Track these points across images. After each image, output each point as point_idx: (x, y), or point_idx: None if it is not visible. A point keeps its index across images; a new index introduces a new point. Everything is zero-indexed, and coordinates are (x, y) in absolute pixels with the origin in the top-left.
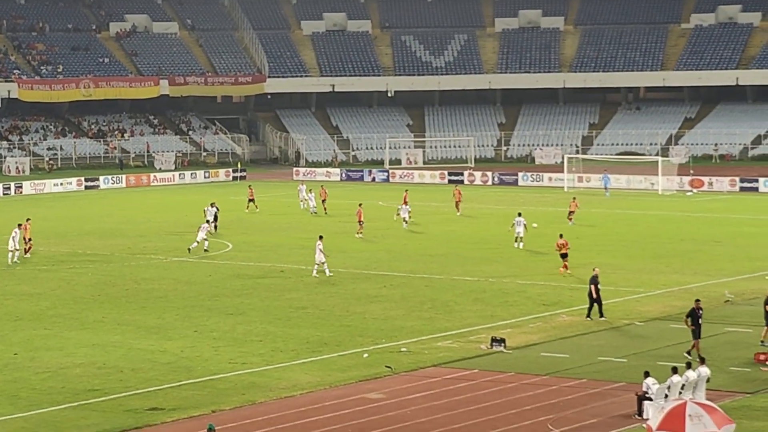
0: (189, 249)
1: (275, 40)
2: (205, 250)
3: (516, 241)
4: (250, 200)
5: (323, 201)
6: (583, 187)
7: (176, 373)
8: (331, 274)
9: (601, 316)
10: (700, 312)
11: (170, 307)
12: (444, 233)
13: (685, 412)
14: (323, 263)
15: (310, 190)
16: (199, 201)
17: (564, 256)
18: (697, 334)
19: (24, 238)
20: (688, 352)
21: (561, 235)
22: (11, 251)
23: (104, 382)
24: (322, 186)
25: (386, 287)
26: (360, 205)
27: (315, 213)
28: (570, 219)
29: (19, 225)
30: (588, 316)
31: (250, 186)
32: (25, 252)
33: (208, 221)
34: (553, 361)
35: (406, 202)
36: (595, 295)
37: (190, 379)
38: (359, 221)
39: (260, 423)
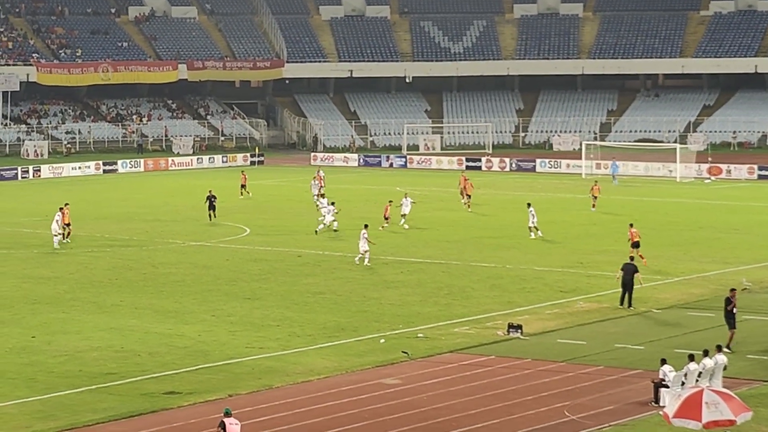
0: (316, 231)
1: (294, 25)
2: (335, 230)
3: (531, 231)
4: (243, 186)
5: (321, 187)
6: (600, 174)
7: (193, 357)
8: (370, 265)
9: (630, 305)
10: (733, 301)
11: (187, 291)
12: (461, 219)
13: (701, 400)
14: (366, 252)
15: (314, 177)
16: (216, 186)
17: (636, 245)
18: (731, 324)
19: (63, 223)
20: (728, 346)
21: (631, 225)
22: (55, 235)
23: (121, 366)
24: (318, 170)
25: (403, 273)
26: (390, 202)
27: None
28: (593, 206)
29: (60, 209)
30: (621, 304)
31: (243, 171)
32: (64, 237)
33: (333, 203)
34: (569, 347)
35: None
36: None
37: (206, 363)
38: (385, 217)
39: (276, 407)
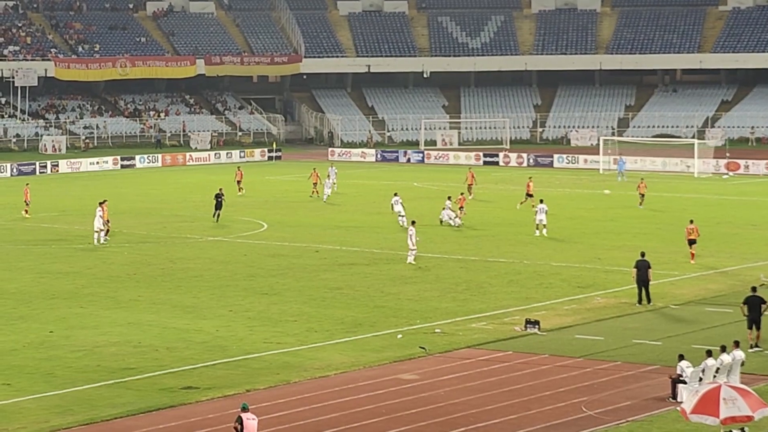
0: (401, 225)
1: (312, 21)
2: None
3: (537, 228)
4: (238, 182)
5: (315, 185)
6: (625, 170)
7: (211, 353)
8: (413, 262)
9: (649, 301)
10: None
11: (205, 286)
12: (478, 214)
13: (719, 396)
14: (414, 250)
15: (328, 175)
16: (230, 181)
17: (692, 242)
18: (755, 323)
19: (105, 219)
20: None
21: (691, 221)
22: (97, 231)
23: (139, 361)
24: (314, 169)
25: (421, 268)
26: (462, 194)
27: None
28: (641, 203)
29: (100, 204)
30: (639, 302)
31: (239, 167)
32: (106, 234)
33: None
34: (587, 343)
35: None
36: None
37: (224, 358)
38: (460, 207)
39: (294, 402)
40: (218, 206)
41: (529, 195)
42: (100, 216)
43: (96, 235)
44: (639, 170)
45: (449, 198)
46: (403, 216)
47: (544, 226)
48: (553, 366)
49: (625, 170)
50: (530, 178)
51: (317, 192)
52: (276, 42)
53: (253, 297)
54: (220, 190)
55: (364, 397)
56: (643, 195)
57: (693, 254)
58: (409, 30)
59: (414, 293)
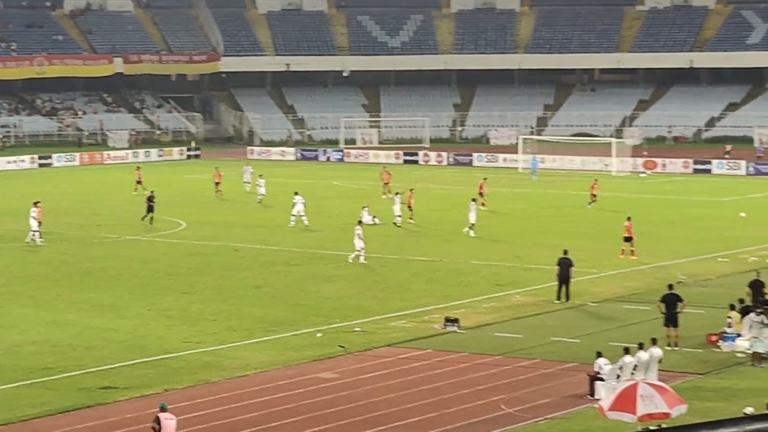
0: (305, 225)
1: (230, 19)
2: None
3: (468, 228)
4: (138, 182)
5: (217, 184)
6: (539, 169)
7: (129, 352)
8: (365, 262)
9: (568, 299)
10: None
11: (124, 285)
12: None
13: (636, 393)
14: (361, 250)
15: (260, 175)
16: (152, 180)
17: (628, 239)
18: (671, 321)
19: (39, 219)
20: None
21: (628, 218)
22: (35, 231)
23: (58, 360)
24: (216, 168)
25: (341, 267)
26: (411, 189)
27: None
28: (591, 203)
29: (35, 203)
30: (558, 299)
31: (138, 168)
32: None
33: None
34: (506, 341)
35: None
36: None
37: (143, 357)
38: (409, 206)
39: (213, 402)
40: (150, 209)
41: (480, 194)
42: (34, 217)
43: (32, 233)
44: (558, 169)
45: (398, 194)
46: (303, 215)
47: (473, 226)
48: (472, 364)
49: (539, 169)
50: (385, 167)
51: (220, 192)
52: (195, 40)
53: (172, 296)
54: (152, 192)
55: (284, 396)
56: (594, 195)
57: (623, 250)
58: (328, 29)
59: (334, 292)
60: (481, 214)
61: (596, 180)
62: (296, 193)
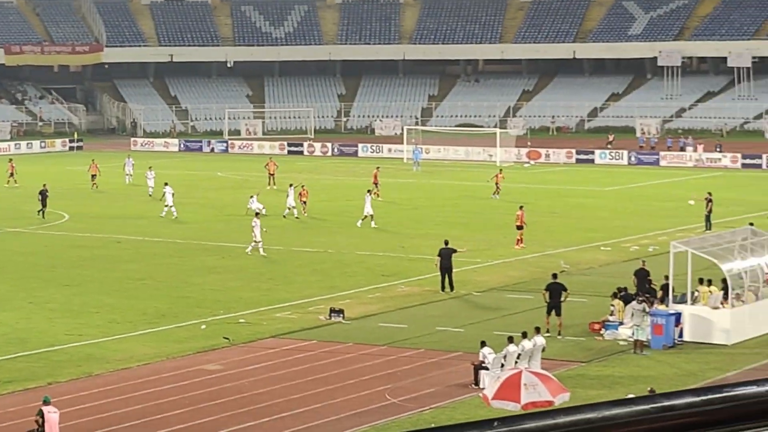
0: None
1: (113, 9)
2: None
3: (363, 219)
4: (11, 174)
5: (94, 177)
6: (422, 159)
7: (11, 345)
8: (266, 255)
9: (452, 289)
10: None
11: (5, 278)
12: (282, 205)
13: (520, 381)
14: (260, 242)
15: (150, 167)
16: (34, 172)
17: (519, 228)
18: (553, 309)
19: None
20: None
21: (521, 207)
22: None
23: None
24: (93, 160)
25: (224, 258)
26: (303, 186)
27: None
28: (496, 193)
29: None
30: (442, 289)
31: (10, 160)
32: None
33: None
34: (391, 331)
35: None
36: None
37: (25, 351)
38: (303, 201)
39: (97, 395)
40: (44, 203)
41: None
42: None
43: None
44: (442, 159)
45: (291, 185)
46: (172, 206)
47: (372, 216)
48: (357, 354)
49: (421, 159)
50: (271, 158)
51: (95, 184)
52: (77, 31)
53: (55, 288)
54: (44, 185)
55: (168, 389)
56: (498, 186)
57: (519, 240)
58: (212, 19)
59: (218, 283)
60: (373, 203)
61: (501, 170)
62: (166, 184)
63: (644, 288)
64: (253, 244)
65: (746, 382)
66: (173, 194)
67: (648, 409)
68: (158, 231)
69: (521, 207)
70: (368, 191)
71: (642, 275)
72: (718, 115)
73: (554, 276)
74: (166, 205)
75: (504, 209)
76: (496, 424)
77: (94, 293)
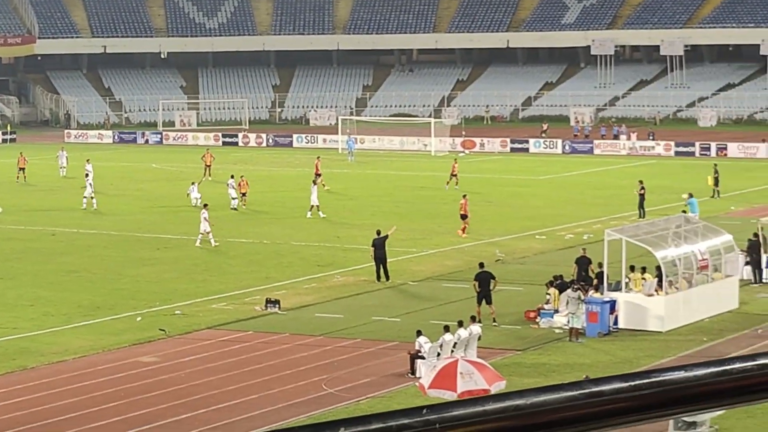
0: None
1: (45, 0)
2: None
3: (311, 209)
4: None
5: (22, 170)
6: (357, 149)
7: None
8: (217, 244)
9: (388, 278)
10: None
11: None
12: (218, 195)
13: (456, 370)
14: (208, 233)
15: (87, 160)
16: None
17: (463, 217)
18: (484, 299)
19: None
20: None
21: (464, 196)
22: None
23: None
24: (21, 153)
25: (159, 250)
26: (243, 176)
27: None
28: (449, 183)
29: None
30: (378, 279)
31: None
32: None
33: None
34: (327, 321)
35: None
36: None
37: None
38: (243, 193)
39: (32, 388)
40: None
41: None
42: None
43: None
44: (377, 149)
45: (232, 176)
46: (93, 197)
47: (318, 207)
48: (293, 345)
49: (355, 149)
50: (208, 149)
51: (20, 177)
52: (9, 22)
53: None
54: None
55: (104, 381)
56: (455, 175)
57: (463, 228)
58: (145, 10)
59: (153, 275)
60: (302, 194)
61: (456, 160)
62: (87, 175)
63: (582, 276)
64: (201, 235)
65: (675, 367)
66: (92, 184)
67: (576, 395)
68: (92, 223)
69: (464, 196)
70: (313, 182)
71: (583, 263)
72: (652, 104)
73: (481, 265)
74: (85, 196)
75: (439, 199)
76: (425, 411)
77: (28, 286)
